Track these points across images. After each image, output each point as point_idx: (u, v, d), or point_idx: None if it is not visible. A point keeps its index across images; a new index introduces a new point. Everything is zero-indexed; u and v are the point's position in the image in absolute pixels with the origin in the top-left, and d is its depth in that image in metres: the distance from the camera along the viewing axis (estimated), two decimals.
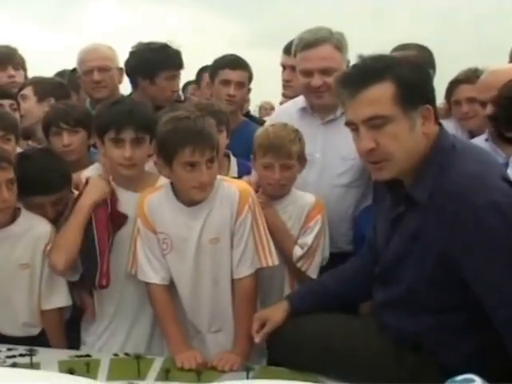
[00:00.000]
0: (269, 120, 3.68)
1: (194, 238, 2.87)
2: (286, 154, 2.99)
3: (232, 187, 2.90)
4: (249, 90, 4.65)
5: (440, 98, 3.87)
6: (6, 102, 3.67)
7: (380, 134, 2.39)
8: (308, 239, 3.05)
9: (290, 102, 3.66)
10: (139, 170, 3.01)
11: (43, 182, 3.04)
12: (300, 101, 3.50)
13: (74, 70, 4.50)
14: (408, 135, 2.39)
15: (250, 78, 4.15)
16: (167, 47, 4.06)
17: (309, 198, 3.10)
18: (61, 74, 4.79)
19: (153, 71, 4.04)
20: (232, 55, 4.18)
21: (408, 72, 2.41)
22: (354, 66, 2.53)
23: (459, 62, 4.44)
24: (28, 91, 4.05)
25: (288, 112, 3.54)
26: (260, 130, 3.15)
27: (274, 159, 2.99)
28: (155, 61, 4.05)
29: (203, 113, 2.94)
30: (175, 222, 2.88)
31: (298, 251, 3.04)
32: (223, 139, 3.27)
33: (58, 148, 3.41)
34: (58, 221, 3.10)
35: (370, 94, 2.39)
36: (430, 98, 2.44)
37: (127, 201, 3.00)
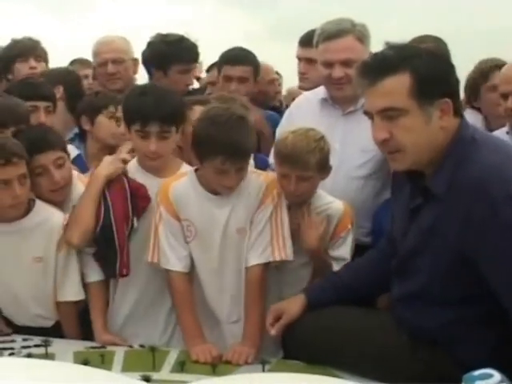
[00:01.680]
0: (289, 110, 3.66)
1: (220, 227, 2.86)
2: (303, 166, 2.87)
3: (260, 178, 2.91)
4: (277, 82, 4.62)
5: None
6: (42, 104, 3.53)
7: (394, 126, 2.38)
8: (344, 253, 2.98)
9: (310, 93, 3.64)
10: (164, 161, 3.02)
11: (41, 141, 3.06)
12: (321, 91, 3.48)
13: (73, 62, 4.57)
14: (423, 128, 2.37)
15: (256, 71, 4.09)
16: (182, 40, 4.06)
17: (337, 206, 3.01)
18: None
19: (166, 64, 4.04)
20: (235, 50, 4.14)
21: (427, 65, 2.38)
22: (374, 55, 2.51)
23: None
24: None
25: (309, 102, 3.52)
26: (281, 136, 3.03)
27: (290, 170, 2.88)
28: (168, 53, 4.05)
29: (246, 113, 2.89)
30: (200, 209, 2.88)
31: (336, 266, 2.95)
32: None
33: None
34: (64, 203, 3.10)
35: (385, 85, 2.38)
36: (449, 92, 2.40)
37: (149, 186, 2.99)
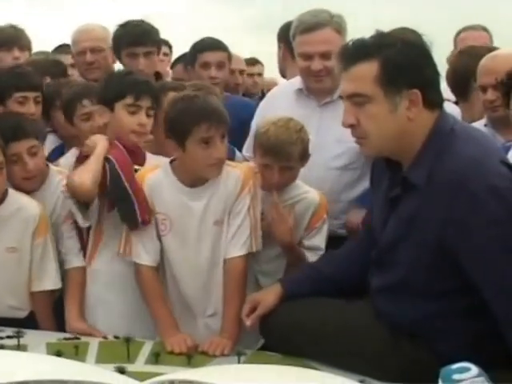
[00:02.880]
0: (265, 100, 3.65)
1: (196, 220, 2.84)
2: (286, 157, 2.91)
3: (235, 169, 2.89)
4: (260, 75, 4.60)
5: None
6: (31, 95, 3.45)
7: (361, 112, 2.41)
8: (318, 242, 3.00)
9: (287, 83, 3.65)
10: (145, 140, 3.05)
11: (16, 129, 3.04)
12: (297, 81, 3.47)
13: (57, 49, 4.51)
14: (387, 117, 2.38)
15: (230, 59, 4.12)
16: (129, 23, 3.99)
17: (313, 196, 3.02)
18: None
19: (117, 48, 4.01)
20: (208, 38, 4.15)
21: (399, 54, 2.38)
22: (354, 40, 2.50)
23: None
24: None
25: (284, 92, 3.51)
26: (262, 127, 3.02)
27: (273, 161, 2.91)
28: (117, 37, 4.01)
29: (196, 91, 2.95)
30: (175, 202, 2.86)
31: (311, 257, 2.96)
32: None
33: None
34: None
35: (356, 70, 2.41)
36: (421, 83, 2.39)
37: None
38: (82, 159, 2.95)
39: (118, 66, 4.28)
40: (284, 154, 2.89)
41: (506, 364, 2.31)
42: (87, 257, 3.04)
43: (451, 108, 3.76)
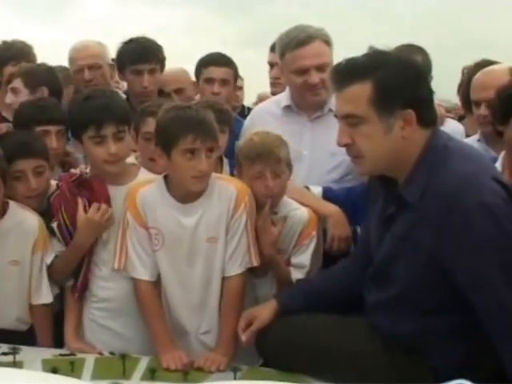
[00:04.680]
0: (249, 121, 3.61)
1: (187, 236, 2.83)
2: (275, 160, 2.91)
3: (229, 185, 2.87)
4: (240, 88, 4.60)
5: None
6: (53, 129, 3.34)
7: (355, 132, 2.42)
8: (304, 260, 2.97)
9: (269, 102, 3.62)
10: (123, 164, 2.97)
11: (25, 147, 3.03)
12: (283, 99, 3.46)
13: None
14: (381, 138, 2.40)
15: (236, 76, 4.10)
16: (134, 40, 4.01)
17: (302, 214, 3.00)
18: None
19: (121, 65, 4.03)
20: (215, 53, 4.11)
21: (391, 75, 2.39)
22: (347, 60, 2.51)
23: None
24: (18, 83, 3.97)
25: (270, 112, 3.49)
26: (243, 141, 3.04)
27: (265, 167, 2.90)
28: (122, 54, 4.03)
29: (206, 107, 2.92)
30: (167, 218, 2.85)
31: (295, 274, 2.95)
32: (224, 139, 3.23)
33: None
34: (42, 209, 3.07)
35: (349, 91, 2.42)
36: (415, 102, 2.40)
37: (113, 194, 2.95)
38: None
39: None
40: (274, 157, 2.90)
41: (501, 380, 2.32)
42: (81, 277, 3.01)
43: (454, 125, 3.79)
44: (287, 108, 3.43)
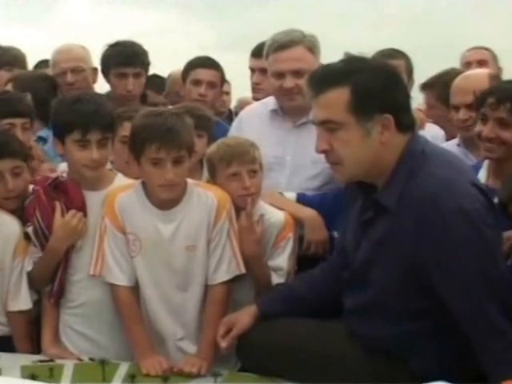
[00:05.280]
0: (237, 122, 3.61)
1: (165, 244, 2.82)
2: (251, 158, 2.92)
3: (208, 193, 2.86)
4: (227, 93, 4.59)
5: None
6: (18, 122, 3.35)
7: (333, 138, 2.42)
8: (281, 262, 2.97)
9: (260, 103, 3.62)
10: (102, 170, 2.96)
11: (2, 147, 3.01)
12: (270, 102, 3.46)
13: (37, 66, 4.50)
14: (360, 143, 2.40)
15: (223, 80, 4.11)
16: (120, 43, 4.02)
17: (278, 217, 3.00)
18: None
19: (106, 68, 4.04)
20: (204, 56, 4.13)
21: (368, 80, 2.40)
22: (322, 66, 2.52)
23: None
24: (9, 87, 3.98)
25: (258, 113, 3.49)
26: (213, 146, 3.04)
27: (241, 166, 2.90)
28: (106, 56, 4.04)
29: (183, 112, 2.91)
30: (145, 224, 2.84)
31: (276, 279, 2.95)
32: (202, 144, 3.21)
33: None
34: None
35: (326, 97, 2.42)
36: (392, 108, 2.41)
37: (89, 199, 2.93)
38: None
39: (99, 86, 4.30)
40: (249, 156, 2.92)
41: (480, 381, 2.33)
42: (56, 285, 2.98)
43: (434, 129, 3.81)
44: (274, 112, 3.43)
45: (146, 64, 4.07)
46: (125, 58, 3.97)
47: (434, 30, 8.09)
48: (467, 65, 4.60)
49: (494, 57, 4.66)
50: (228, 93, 4.86)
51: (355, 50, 2.51)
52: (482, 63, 4.56)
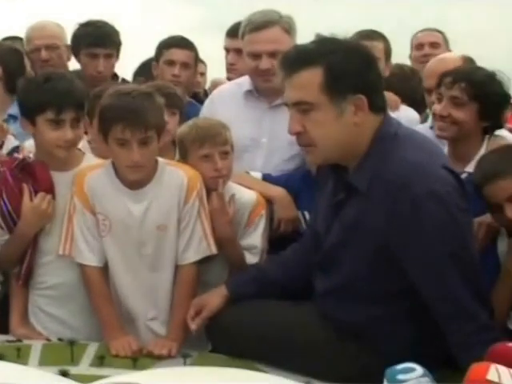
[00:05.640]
0: (209, 102, 3.58)
1: (136, 223, 2.80)
2: (223, 140, 2.90)
3: (179, 172, 2.84)
4: (202, 74, 4.55)
5: None
6: None
7: (306, 119, 2.41)
8: (255, 240, 2.96)
9: (233, 84, 3.57)
10: (72, 150, 2.91)
11: None
12: (245, 83, 3.42)
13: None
14: (333, 123, 2.39)
15: (196, 59, 4.07)
16: (91, 23, 3.99)
17: (249, 196, 2.99)
18: None
19: (76, 47, 4.01)
20: (177, 36, 4.08)
21: (341, 60, 2.39)
22: (295, 47, 2.51)
23: None
24: None
25: (233, 93, 3.45)
26: (185, 127, 3.01)
27: (213, 148, 2.88)
28: (78, 36, 4.03)
29: (154, 91, 2.86)
30: (115, 203, 2.81)
31: (250, 258, 2.94)
32: (175, 123, 3.19)
33: None
34: None
35: (299, 78, 2.40)
36: (365, 88, 2.39)
37: (57, 180, 2.89)
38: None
39: (72, 64, 4.26)
40: (221, 138, 2.89)
41: (450, 364, 2.34)
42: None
43: (409, 113, 3.82)
44: (248, 93, 3.40)
45: (117, 44, 4.03)
46: (95, 38, 3.95)
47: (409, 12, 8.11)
48: (419, 46, 4.63)
49: (446, 40, 4.67)
50: (203, 73, 4.82)
51: (328, 32, 2.49)
52: (434, 45, 4.57)
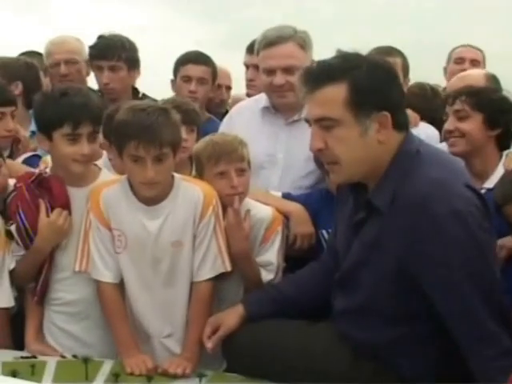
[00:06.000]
0: (228, 118, 3.58)
1: (151, 240, 2.78)
2: (239, 157, 2.87)
3: (195, 188, 2.81)
4: (229, 88, 4.51)
5: None
6: (8, 110, 3.31)
7: (329, 136, 2.37)
8: (271, 256, 2.92)
9: (252, 100, 3.58)
10: (89, 165, 2.91)
11: None
12: (262, 99, 3.42)
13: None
14: (357, 141, 2.35)
15: (214, 75, 4.06)
16: (102, 37, 4.00)
17: (266, 212, 2.96)
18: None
19: (91, 59, 4.04)
20: (194, 51, 4.09)
21: (366, 77, 2.36)
22: (318, 62, 2.48)
23: None
24: None
25: (250, 110, 3.45)
26: (201, 143, 2.99)
27: (229, 165, 2.85)
28: (89, 49, 4.04)
29: (169, 107, 2.83)
30: (131, 219, 2.79)
31: (266, 275, 2.91)
32: (192, 139, 3.17)
33: None
34: None
35: (323, 94, 2.36)
36: (389, 105, 2.37)
37: (73, 196, 2.87)
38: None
39: (92, 79, 4.26)
40: (237, 154, 2.86)
41: None
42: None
43: (429, 130, 3.79)
44: (265, 109, 3.39)
45: (127, 58, 3.97)
46: (99, 50, 3.97)
47: (423, 30, 8.11)
48: (459, 60, 4.61)
49: (484, 59, 4.67)
50: (229, 88, 4.81)
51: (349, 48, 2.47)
52: (474, 63, 4.57)
